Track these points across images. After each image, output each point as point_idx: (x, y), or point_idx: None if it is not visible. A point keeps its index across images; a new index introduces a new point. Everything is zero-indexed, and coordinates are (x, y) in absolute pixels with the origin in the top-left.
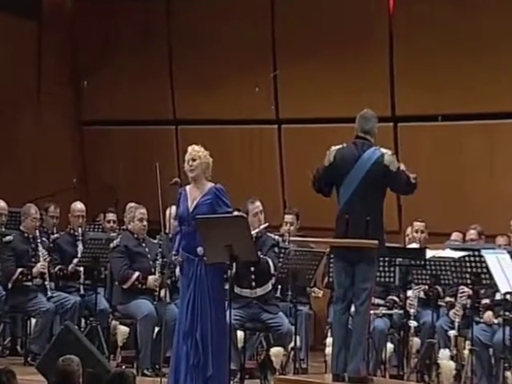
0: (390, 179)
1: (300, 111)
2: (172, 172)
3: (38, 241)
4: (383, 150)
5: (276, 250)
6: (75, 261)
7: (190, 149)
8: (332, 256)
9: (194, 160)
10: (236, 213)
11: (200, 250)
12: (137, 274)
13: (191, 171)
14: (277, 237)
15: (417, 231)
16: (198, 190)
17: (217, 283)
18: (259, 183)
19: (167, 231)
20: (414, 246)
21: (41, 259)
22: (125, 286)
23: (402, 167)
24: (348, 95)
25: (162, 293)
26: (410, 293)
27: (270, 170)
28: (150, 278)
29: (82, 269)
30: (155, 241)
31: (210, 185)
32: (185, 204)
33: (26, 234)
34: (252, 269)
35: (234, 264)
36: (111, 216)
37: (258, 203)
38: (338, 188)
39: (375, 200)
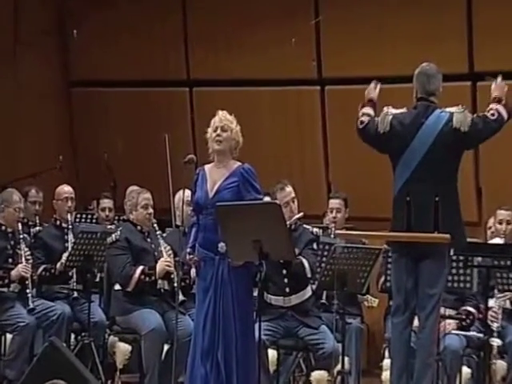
0: (465, 142)
1: (349, 68)
2: (185, 146)
3: (20, 236)
4: (451, 109)
5: (315, 246)
6: (64, 257)
7: (220, 114)
8: (390, 252)
9: (224, 130)
10: (267, 199)
11: (222, 246)
12: (141, 267)
13: (218, 142)
14: (315, 229)
15: (501, 222)
16: (221, 171)
17: (243, 289)
18: (297, 161)
19: (179, 223)
20: (498, 241)
21: (23, 260)
22: (129, 288)
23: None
24: (411, 47)
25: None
26: (492, 302)
27: (310, 143)
28: (160, 261)
29: (73, 270)
30: (158, 232)
31: (236, 165)
32: (203, 188)
33: (3, 228)
34: (284, 271)
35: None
36: (107, 203)
37: (289, 189)
38: (394, 164)
39: (446, 177)
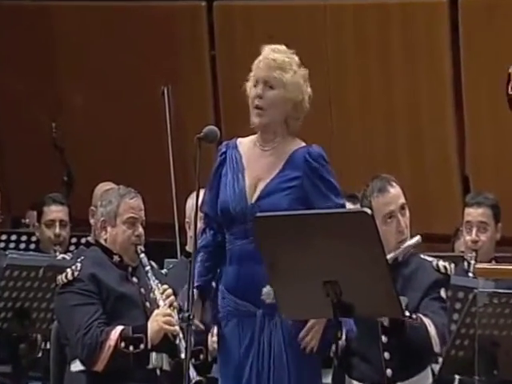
0: None
1: None
2: (201, 109)
3: None
4: None
5: (443, 293)
6: None
7: (267, 52)
8: None
9: (271, 87)
10: (349, 206)
11: (268, 292)
12: (119, 328)
13: (258, 112)
14: (443, 263)
15: None
16: (268, 156)
17: (304, 367)
18: (403, 136)
19: (190, 248)
20: None
21: None
22: (99, 367)
23: None
24: None
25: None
26: None
27: (429, 103)
28: (153, 315)
29: None
30: (147, 267)
31: (295, 146)
32: (238, 182)
33: None
34: (384, 338)
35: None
36: (57, 212)
37: (395, 190)
38: None
39: None
